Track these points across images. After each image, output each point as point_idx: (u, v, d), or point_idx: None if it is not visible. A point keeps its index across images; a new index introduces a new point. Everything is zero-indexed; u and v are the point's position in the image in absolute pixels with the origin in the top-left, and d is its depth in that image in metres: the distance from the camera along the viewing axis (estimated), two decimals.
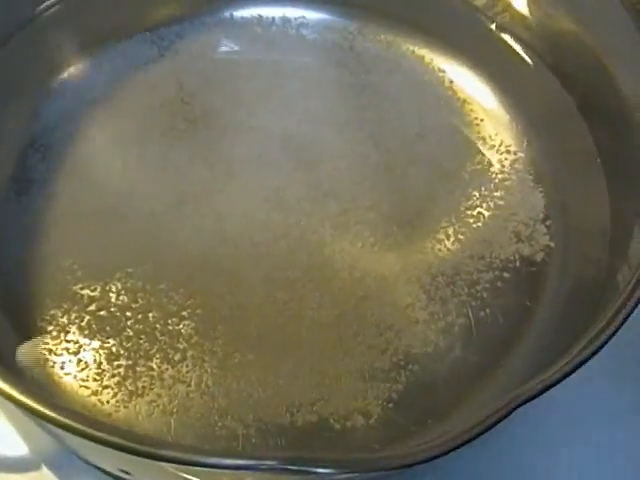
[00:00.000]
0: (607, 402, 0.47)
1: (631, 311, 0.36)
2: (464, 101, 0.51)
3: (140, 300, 0.44)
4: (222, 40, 0.53)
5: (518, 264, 0.46)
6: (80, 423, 0.30)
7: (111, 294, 0.44)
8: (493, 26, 0.52)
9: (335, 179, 0.48)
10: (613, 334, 0.34)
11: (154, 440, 0.30)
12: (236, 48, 0.53)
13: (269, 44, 0.53)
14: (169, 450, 0.30)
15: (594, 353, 0.33)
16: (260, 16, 0.54)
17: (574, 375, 0.34)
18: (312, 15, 0.54)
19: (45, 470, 0.45)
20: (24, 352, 0.43)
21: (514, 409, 0.31)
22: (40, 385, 0.41)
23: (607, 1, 0.45)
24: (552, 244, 0.47)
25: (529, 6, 0.51)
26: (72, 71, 0.51)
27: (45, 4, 0.51)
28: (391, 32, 0.53)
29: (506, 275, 0.46)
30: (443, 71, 0.52)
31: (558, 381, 0.32)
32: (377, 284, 0.45)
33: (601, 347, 0.34)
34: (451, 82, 0.52)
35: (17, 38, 0.50)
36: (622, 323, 0.35)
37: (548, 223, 0.47)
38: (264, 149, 0.49)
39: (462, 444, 0.31)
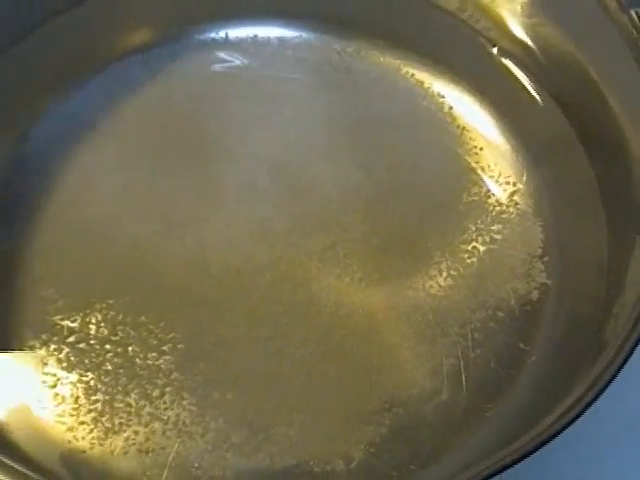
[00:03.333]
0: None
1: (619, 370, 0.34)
2: (463, 128, 0.50)
3: (120, 333, 0.43)
4: (216, 61, 0.51)
5: (512, 302, 0.44)
6: None
7: (91, 326, 0.43)
8: (494, 50, 0.50)
9: (325, 210, 0.47)
10: (597, 397, 0.33)
11: None
12: (230, 69, 0.51)
13: (264, 65, 0.52)
14: None
15: (576, 417, 0.32)
16: (256, 36, 0.52)
17: None
18: (309, 35, 0.52)
19: None
20: None
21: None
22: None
23: (606, 31, 0.43)
24: (549, 282, 0.45)
25: (527, 32, 0.49)
26: (63, 93, 0.50)
27: (35, 25, 0.50)
28: (390, 54, 0.52)
29: (500, 314, 0.44)
30: (443, 97, 0.50)
31: (533, 451, 0.30)
32: (364, 321, 0.44)
33: (585, 409, 0.32)
34: (450, 108, 0.50)
35: (5, 59, 0.49)
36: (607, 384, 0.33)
37: (546, 259, 0.45)
38: (253, 177, 0.48)
39: None
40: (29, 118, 0.49)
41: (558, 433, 0.32)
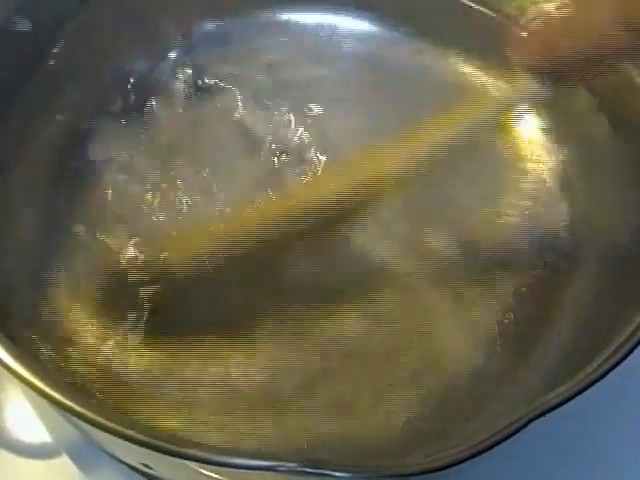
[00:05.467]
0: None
1: None
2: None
3: None
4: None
5: (543, 272, 0.46)
6: (107, 419, 0.31)
7: None
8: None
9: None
10: (631, 351, 0.35)
11: (178, 439, 0.31)
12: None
13: (305, 50, 0.54)
14: (193, 449, 0.31)
15: (610, 369, 0.34)
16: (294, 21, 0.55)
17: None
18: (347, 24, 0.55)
19: (65, 458, 0.46)
20: None
21: (528, 423, 0.31)
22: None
23: None
24: (576, 253, 0.47)
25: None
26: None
27: None
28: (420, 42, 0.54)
29: (531, 282, 0.46)
30: (476, 80, 0.53)
31: (573, 396, 0.32)
32: (405, 290, 0.46)
33: (618, 363, 0.34)
34: (483, 93, 0.52)
35: None
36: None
37: (573, 233, 0.48)
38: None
39: (475, 454, 0.31)
40: None
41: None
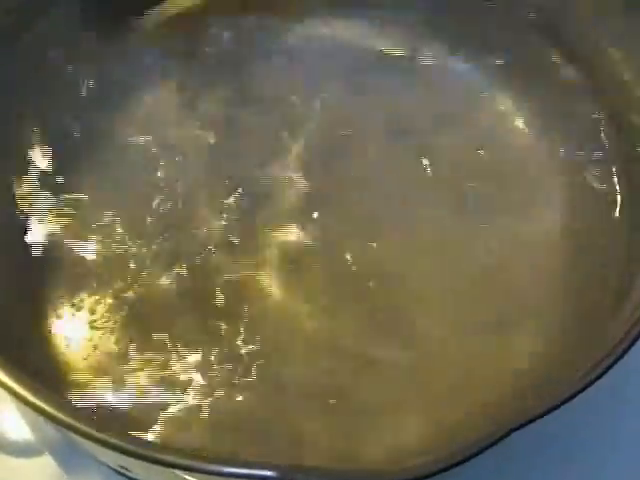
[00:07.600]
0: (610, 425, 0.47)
1: None
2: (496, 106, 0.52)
3: None
4: None
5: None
6: (81, 422, 0.30)
7: None
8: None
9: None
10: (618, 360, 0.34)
11: (153, 444, 0.31)
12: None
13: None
14: (169, 455, 0.30)
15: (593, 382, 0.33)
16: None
17: None
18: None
19: (48, 457, 0.45)
20: None
21: (508, 434, 0.31)
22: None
23: None
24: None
25: None
26: None
27: None
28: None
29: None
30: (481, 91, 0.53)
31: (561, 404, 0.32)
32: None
33: (599, 377, 0.34)
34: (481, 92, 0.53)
35: None
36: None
37: None
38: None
39: (452, 466, 0.30)
40: None
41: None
